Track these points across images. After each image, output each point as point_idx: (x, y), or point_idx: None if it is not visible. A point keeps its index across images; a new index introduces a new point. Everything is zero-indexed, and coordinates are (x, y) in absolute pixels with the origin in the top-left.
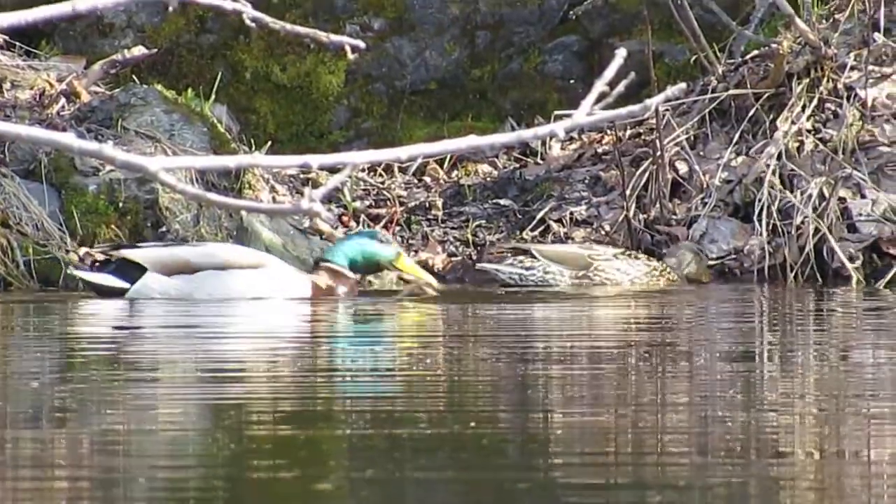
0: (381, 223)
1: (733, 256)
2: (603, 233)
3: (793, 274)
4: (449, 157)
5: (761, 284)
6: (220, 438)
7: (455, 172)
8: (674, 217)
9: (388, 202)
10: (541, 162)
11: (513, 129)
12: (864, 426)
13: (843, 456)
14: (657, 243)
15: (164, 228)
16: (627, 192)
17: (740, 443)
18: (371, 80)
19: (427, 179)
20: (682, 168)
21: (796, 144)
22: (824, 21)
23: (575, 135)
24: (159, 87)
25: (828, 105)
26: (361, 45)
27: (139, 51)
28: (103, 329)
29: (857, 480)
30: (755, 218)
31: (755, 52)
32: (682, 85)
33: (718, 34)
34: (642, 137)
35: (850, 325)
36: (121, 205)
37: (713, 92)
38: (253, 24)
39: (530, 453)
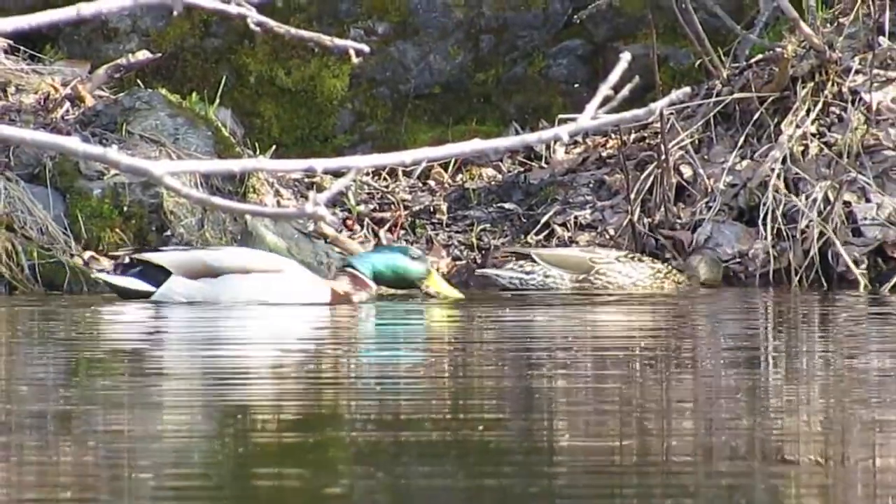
0: (386, 227)
1: (738, 260)
2: (607, 237)
3: (797, 278)
4: (453, 160)
5: (766, 288)
6: (234, 442)
7: (459, 176)
8: (678, 221)
9: (393, 206)
10: (545, 166)
11: (517, 133)
12: (870, 432)
13: (849, 462)
14: (661, 247)
15: (168, 232)
16: (632, 196)
17: (745, 449)
18: (375, 84)
19: (431, 183)
20: (687, 172)
21: (801, 148)
22: (829, 25)
23: (579, 139)
24: (164, 91)
25: (832, 109)
26: (365, 49)
27: (144, 55)
28: (139, 334)
29: (863, 487)
30: (760, 222)
31: (760, 55)
32: (687, 89)
33: (723, 38)
34: (647, 141)
35: (854, 329)
36: (125, 209)
37: (718, 96)
38: (257, 29)
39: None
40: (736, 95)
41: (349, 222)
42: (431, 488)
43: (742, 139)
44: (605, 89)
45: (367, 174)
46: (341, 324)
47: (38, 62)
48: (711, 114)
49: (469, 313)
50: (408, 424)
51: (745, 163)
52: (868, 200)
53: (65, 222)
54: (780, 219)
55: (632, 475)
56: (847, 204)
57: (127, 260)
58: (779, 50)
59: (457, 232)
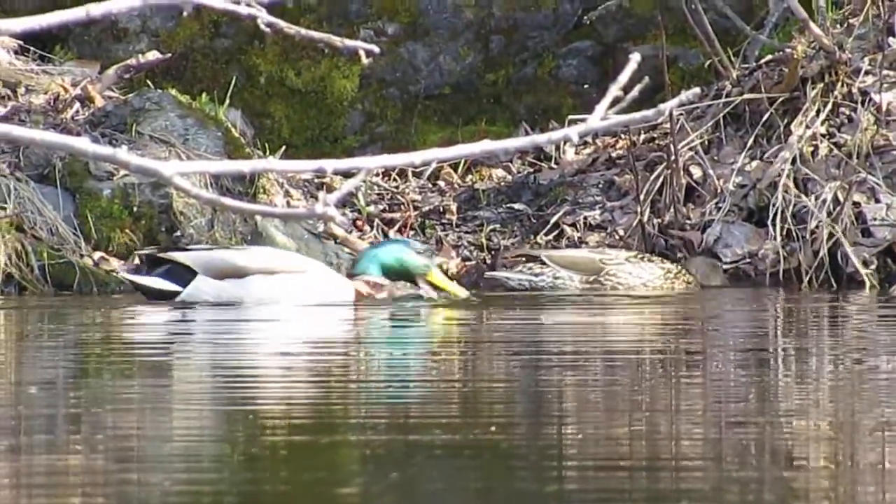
0: (395, 227)
1: (748, 261)
2: (617, 237)
3: (807, 278)
4: (463, 161)
5: (775, 289)
6: (244, 444)
7: (469, 177)
8: (688, 222)
9: (403, 206)
10: (555, 166)
11: (527, 133)
12: (880, 433)
13: (858, 463)
14: (671, 248)
15: (178, 233)
16: (641, 197)
17: (755, 450)
18: (385, 84)
19: (441, 184)
20: (697, 172)
21: (811, 149)
22: (839, 26)
23: (589, 139)
24: (174, 91)
25: (842, 109)
26: (375, 49)
27: (153, 55)
28: (177, 335)
29: (872, 488)
30: (769, 222)
31: (769, 56)
32: (697, 89)
33: (733, 39)
34: (656, 142)
35: (864, 330)
36: (135, 209)
37: (727, 96)
38: (268, 29)
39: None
40: (746, 96)
41: (359, 223)
42: (444, 490)
43: (752, 140)
44: (614, 90)
45: (377, 175)
46: (368, 325)
47: (48, 62)
48: (721, 114)
49: (479, 314)
50: (425, 428)
51: (754, 163)
52: (878, 201)
53: (74, 223)
54: (789, 219)
55: (644, 477)
56: (857, 204)
57: (138, 260)
58: (788, 51)
59: (466, 232)
